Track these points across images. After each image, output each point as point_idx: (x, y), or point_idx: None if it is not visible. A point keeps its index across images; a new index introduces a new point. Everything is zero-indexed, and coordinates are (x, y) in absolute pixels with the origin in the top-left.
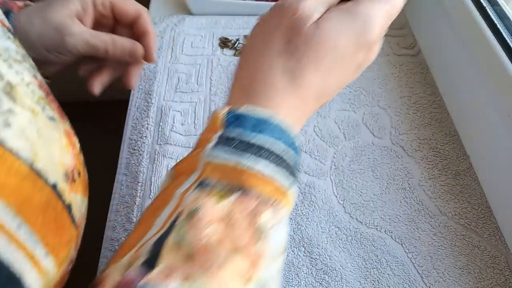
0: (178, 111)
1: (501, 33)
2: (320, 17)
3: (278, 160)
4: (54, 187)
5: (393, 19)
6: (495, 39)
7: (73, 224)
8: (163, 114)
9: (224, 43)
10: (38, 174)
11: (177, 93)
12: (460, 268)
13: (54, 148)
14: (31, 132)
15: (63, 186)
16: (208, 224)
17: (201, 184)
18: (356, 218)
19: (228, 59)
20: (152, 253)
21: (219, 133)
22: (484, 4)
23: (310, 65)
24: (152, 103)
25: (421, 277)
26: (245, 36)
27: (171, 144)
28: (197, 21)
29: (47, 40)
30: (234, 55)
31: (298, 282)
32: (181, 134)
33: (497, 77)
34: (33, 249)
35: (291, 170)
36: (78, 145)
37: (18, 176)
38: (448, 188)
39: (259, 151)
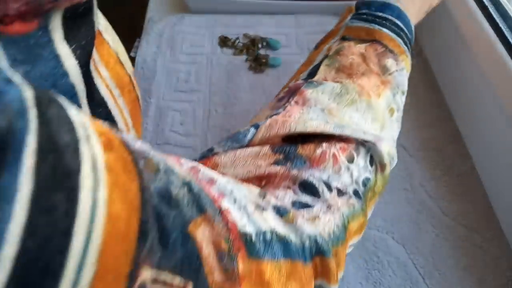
0: (177, 110)
1: (503, 33)
2: None
3: (398, 30)
4: (130, 77)
5: None
6: (497, 39)
7: (141, 113)
8: (162, 113)
9: (224, 42)
10: (122, 63)
11: (176, 93)
12: (462, 269)
13: (123, 49)
14: (110, 31)
15: (133, 79)
16: (351, 54)
17: (343, 39)
18: None
19: (227, 58)
20: (310, 72)
21: (351, 14)
22: (487, 4)
23: None
24: (151, 103)
25: (423, 278)
26: (244, 35)
27: (171, 144)
28: (197, 20)
29: None
30: (234, 54)
31: None
32: (181, 134)
33: (500, 77)
34: (126, 118)
35: (406, 41)
36: None
37: (113, 58)
38: (450, 189)
39: (384, 21)
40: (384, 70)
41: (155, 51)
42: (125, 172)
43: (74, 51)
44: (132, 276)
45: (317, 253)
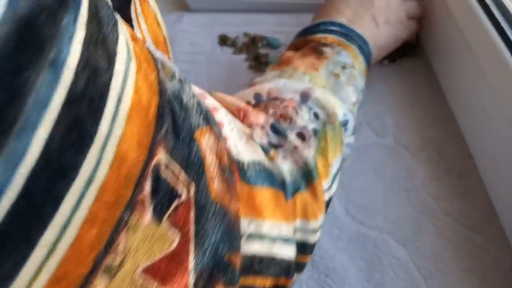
0: None
1: (505, 32)
2: None
3: (334, 31)
4: (165, 38)
5: None
6: (499, 38)
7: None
8: None
9: (224, 40)
10: (159, 23)
11: None
12: (464, 270)
13: (159, 13)
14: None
15: (168, 43)
16: (289, 54)
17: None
18: (358, 220)
19: (227, 57)
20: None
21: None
22: (488, 3)
23: None
24: None
25: (424, 279)
26: (244, 34)
27: None
28: (196, 19)
29: None
30: (234, 52)
31: (300, 284)
32: None
33: (501, 77)
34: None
35: (346, 35)
36: None
37: (151, 15)
38: (452, 189)
39: (316, 29)
40: (322, 56)
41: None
42: (147, 62)
43: None
44: (152, 151)
45: (295, 191)
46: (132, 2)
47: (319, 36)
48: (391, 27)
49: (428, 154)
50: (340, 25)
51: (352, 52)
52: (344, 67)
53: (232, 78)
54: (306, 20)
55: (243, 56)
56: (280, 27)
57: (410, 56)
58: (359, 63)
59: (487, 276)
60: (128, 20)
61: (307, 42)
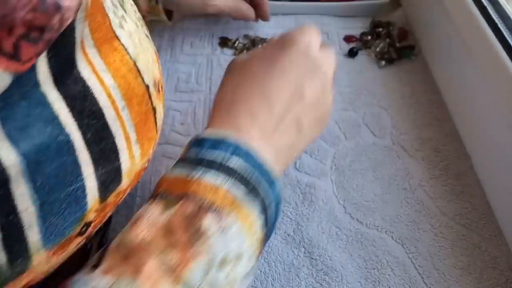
0: (178, 110)
1: (502, 33)
2: None
3: (230, 172)
4: (147, 87)
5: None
6: (496, 39)
7: (155, 126)
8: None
9: (224, 42)
10: (138, 71)
11: (177, 93)
12: (461, 269)
13: (149, 57)
14: (135, 38)
15: (153, 90)
16: (146, 227)
17: (154, 197)
18: (356, 219)
19: (228, 59)
20: (98, 257)
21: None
22: (485, 4)
23: (247, 78)
24: None
25: (422, 277)
26: (244, 36)
27: (171, 144)
28: (197, 21)
29: (191, 2)
30: (234, 54)
31: (299, 282)
32: (181, 134)
33: (498, 77)
34: (129, 132)
35: (248, 182)
36: (160, 67)
37: (126, 66)
38: (449, 189)
39: (210, 164)
40: (197, 236)
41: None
42: None
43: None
44: None
45: None
46: (81, 57)
47: (206, 183)
48: (317, 127)
49: (426, 154)
50: (248, 155)
51: (247, 221)
52: (223, 262)
53: None
54: (305, 22)
55: None
56: (279, 29)
57: (408, 57)
58: (252, 239)
59: (484, 274)
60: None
61: (185, 186)
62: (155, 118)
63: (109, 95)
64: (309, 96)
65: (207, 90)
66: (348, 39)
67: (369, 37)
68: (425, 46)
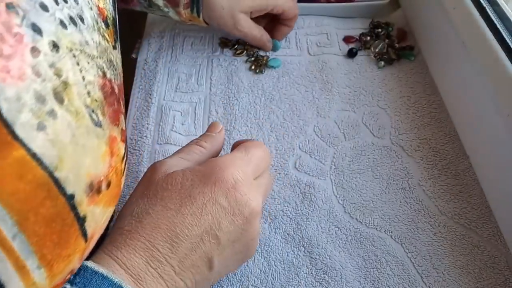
0: (178, 111)
1: (501, 33)
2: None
3: None
4: (70, 198)
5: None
6: (495, 40)
7: (83, 237)
8: (163, 114)
9: (224, 43)
10: (55, 183)
11: (177, 93)
12: (460, 268)
13: (85, 157)
14: (65, 138)
15: (81, 198)
16: None
17: None
18: (356, 218)
19: (228, 59)
20: None
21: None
22: (484, 4)
23: (157, 205)
24: (152, 103)
25: (421, 276)
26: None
27: (171, 144)
28: None
29: (221, 21)
30: (234, 55)
31: (298, 281)
32: (181, 134)
33: (497, 77)
34: (26, 259)
35: None
36: (122, 152)
37: (32, 184)
38: (448, 188)
39: None
40: None
41: (156, 52)
42: None
43: None
44: None
45: None
46: None
47: None
48: (236, 262)
49: (425, 154)
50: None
51: None
52: None
53: (232, 80)
54: (304, 22)
55: (243, 58)
56: None
57: (407, 58)
58: None
59: (483, 274)
60: None
61: None
62: (83, 228)
63: None
64: (224, 238)
65: (207, 90)
66: (347, 39)
67: (368, 38)
68: (424, 46)
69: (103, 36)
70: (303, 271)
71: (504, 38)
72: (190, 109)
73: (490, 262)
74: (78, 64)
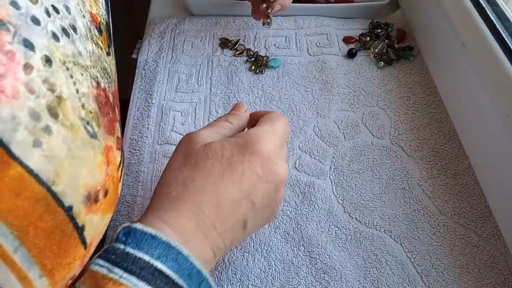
0: (179, 111)
1: (500, 34)
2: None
3: (154, 275)
4: (68, 209)
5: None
6: (494, 40)
7: (83, 244)
8: (163, 114)
9: (224, 43)
10: (53, 197)
11: (178, 93)
12: (459, 268)
13: (82, 168)
14: (61, 152)
15: (79, 208)
16: None
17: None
18: (355, 218)
19: (228, 60)
20: None
21: (107, 246)
22: (484, 5)
23: (201, 172)
24: (152, 103)
25: (420, 276)
26: (245, 36)
27: (172, 144)
28: (197, 22)
29: None
30: (234, 55)
31: (298, 281)
32: (182, 134)
33: (496, 77)
34: (27, 270)
35: (171, 286)
36: (118, 160)
37: (30, 199)
38: (447, 188)
39: (134, 262)
40: None
41: (156, 52)
42: None
43: None
44: None
45: None
46: None
47: (121, 283)
48: (263, 223)
49: (424, 154)
50: (163, 250)
51: None
52: None
53: (232, 80)
54: (304, 23)
55: (243, 58)
56: (279, 30)
57: (407, 58)
58: None
59: (482, 273)
60: None
61: (100, 283)
62: (82, 237)
63: None
64: (258, 203)
65: (207, 90)
66: (347, 40)
67: (368, 38)
68: (423, 47)
69: (97, 44)
70: (303, 271)
71: (504, 39)
72: (190, 109)
73: (489, 262)
74: (71, 77)
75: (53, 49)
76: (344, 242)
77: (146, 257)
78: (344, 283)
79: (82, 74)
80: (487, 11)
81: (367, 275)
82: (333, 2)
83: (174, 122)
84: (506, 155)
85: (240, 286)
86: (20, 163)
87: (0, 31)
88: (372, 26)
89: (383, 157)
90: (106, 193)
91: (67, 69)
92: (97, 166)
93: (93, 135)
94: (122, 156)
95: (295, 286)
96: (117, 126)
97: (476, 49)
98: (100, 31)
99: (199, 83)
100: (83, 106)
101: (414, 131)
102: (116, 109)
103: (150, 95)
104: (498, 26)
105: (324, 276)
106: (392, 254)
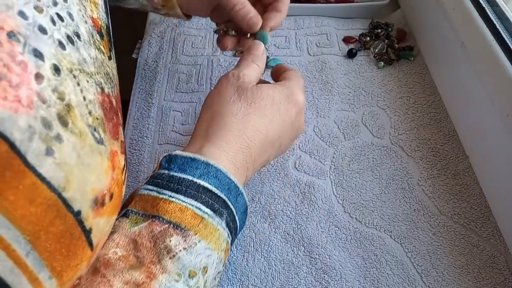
0: (179, 111)
1: (500, 34)
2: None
3: (199, 191)
4: (77, 214)
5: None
6: (494, 40)
7: (90, 246)
8: (163, 114)
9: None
10: (64, 203)
11: (178, 93)
12: (459, 268)
13: (90, 174)
14: (71, 160)
15: (87, 213)
16: (116, 244)
17: (125, 213)
18: (355, 218)
19: (228, 60)
20: None
21: (153, 173)
22: (484, 5)
23: (257, 111)
24: (152, 103)
25: (420, 276)
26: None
27: (172, 144)
28: (198, 22)
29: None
30: (234, 55)
31: (298, 281)
32: (182, 134)
33: (496, 77)
34: (38, 272)
35: (217, 199)
36: (122, 163)
37: (42, 206)
38: (447, 188)
39: (179, 186)
40: (164, 253)
41: (156, 52)
42: None
43: None
44: None
45: None
46: None
47: (174, 203)
48: (293, 142)
49: (424, 154)
50: (204, 169)
51: (213, 237)
52: (191, 274)
53: None
54: (304, 23)
55: None
56: (279, 30)
57: (406, 58)
58: (219, 251)
59: (482, 273)
60: None
61: (154, 207)
62: (89, 239)
63: (6, 247)
64: (283, 146)
65: (207, 90)
66: (347, 40)
67: (368, 38)
68: (423, 47)
69: (99, 48)
70: (303, 271)
71: (504, 39)
72: (190, 109)
73: (489, 262)
74: (78, 84)
75: (60, 58)
76: (344, 242)
77: (189, 177)
78: (344, 283)
79: (87, 81)
80: (487, 11)
81: (367, 275)
82: (333, 2)
83: (174, 122)
84: (506, 155)
85: (240, 286)
86: (34, 171)
87: (12, 42)
88: (372, 26)
89: (383, 157)
90: (111, 197)
91: (74, 76)
92: (104, 171)
93: (100, 141)
94: (125, 159)
95: (295, 286)
96: (121, 130)
97: (476, 49)
98: (101, 35)
99: (199, 83)
100: (90, 113)
101: (414, 131)
102: (119, 113)
103: (150, 95)
104: (498, 26)
105: (324, 276)
106: (392, 254)
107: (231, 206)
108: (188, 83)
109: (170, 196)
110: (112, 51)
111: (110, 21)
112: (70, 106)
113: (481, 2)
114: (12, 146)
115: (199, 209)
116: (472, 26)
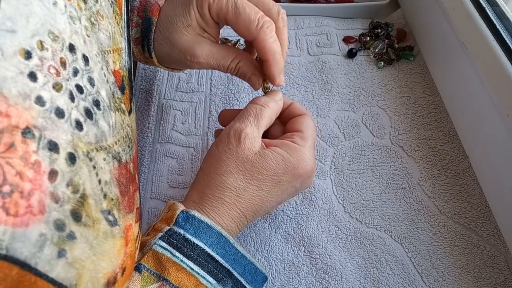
0: (179, 110)
1: (500, 34)
2: (263, 148)
3: (207, 260)
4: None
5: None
6: (494, 40)
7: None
8: (164, 112)
9: (225, 43)
10: None
11: (178, 93)
12: (459, 268)
13: (103, 261)
14: (83, 254)
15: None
16: None
17: (138, 268)
18: (356, 218)
19: None
20: None
21: (167, 227)
22: (484, 5)
23: (253, 184)
24: (153, 102)
25: (421, 276)
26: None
27: (172, 143)
28: None
29: (175, 59)
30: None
31: (299, 281)
32: (182, 133)
33: (496, 77)
34: None
35: (220, 271)
36: (136, 232)
37: None
38: (448, 188)
39: (190, 252)
40: None
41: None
42: None
43: None
44: None
45: None
46: None
47: (185, 270)
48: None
49: (424, 154)
50: (215, 238)
51: None
52: None
53: (232, 80)
54: (304, 23)
55: None
56: None
57: (407, 58)
58: None
59: (482, 273)
60: None
61: (165, 269)
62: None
63: None
64: (285, 201)
65: (207, 90)
66: (347, 40)
67: (368, 38)
68: (423, 47)
69: (119, 109)
70: (303, 271)
71: (504, 39)
72: (190, 109)
73: (489, 262)
74: (94, 168)
75: (76, 142)
76: (344, 242)
77: (201, 245)
78: (345, 283)
79: (104, 159)
80: (487, 11)
81: (367, 275)
82: (333, 2)
83: (175, 121)
84: (506, 155)
85: None
86: (46, 278)
87: (26, 141)
88: (372, 26)
89: (383, 157)
90: (123, 271)
91: (90, 159)
92: (116, 252)
93: (114, 223)
94: (140, 225)
95: (296, 286)
96: (137, 195)
97: (476, 49)
98: (122, 89)
99: (199, 83)
100: (105, 196)
101: (414, 131)
102: (136, 176)
103: (150, 94)
104: (498, 26)
105: (325, 276)
106: (393, 254)
107: (236, 275)
108: (188, 83)
109: (182, 261)
110: (132, 101)
111: (132, 59)
112: (85, 197)
113: (481, 2)
114: (22, 265)
115: (204, 278)
116: (472, 26)
